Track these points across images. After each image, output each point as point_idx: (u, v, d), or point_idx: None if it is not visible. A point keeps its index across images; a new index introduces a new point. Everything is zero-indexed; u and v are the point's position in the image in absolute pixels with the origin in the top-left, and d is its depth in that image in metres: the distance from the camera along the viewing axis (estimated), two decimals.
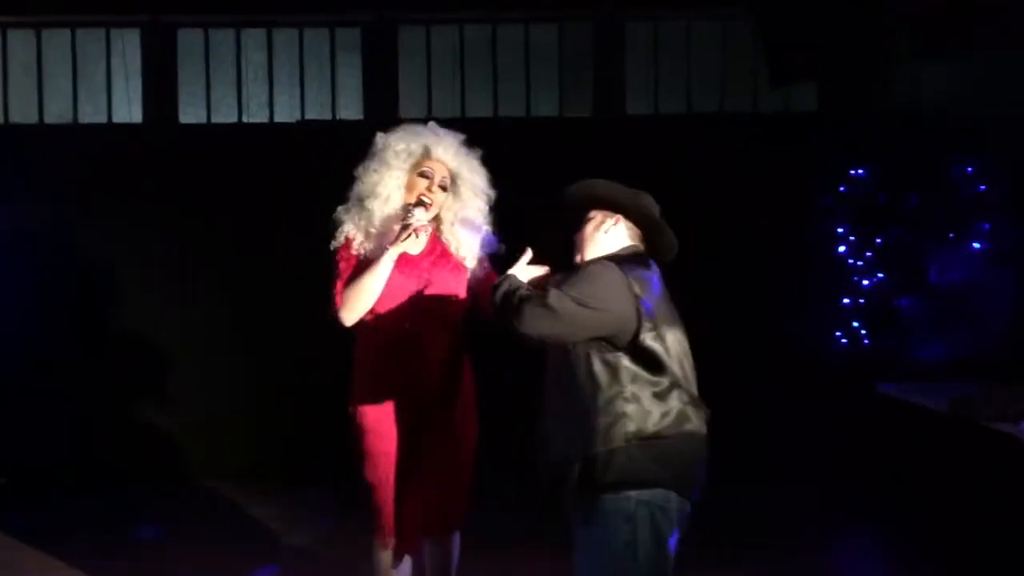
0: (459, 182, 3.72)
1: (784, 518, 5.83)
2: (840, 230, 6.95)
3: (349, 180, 6.70)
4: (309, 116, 7.34)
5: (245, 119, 7.35)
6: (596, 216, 3.21)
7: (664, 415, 2.94)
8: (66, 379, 6.79)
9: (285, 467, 6.87)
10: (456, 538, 3.77)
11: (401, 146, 3.68)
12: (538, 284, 3.14)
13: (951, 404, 5.55)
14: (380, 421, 3.64)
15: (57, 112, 7.30)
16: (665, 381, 2.96)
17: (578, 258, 3.18)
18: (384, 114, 7.28)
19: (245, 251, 6.95)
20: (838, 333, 6.91)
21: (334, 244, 3.72)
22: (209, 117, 7.34)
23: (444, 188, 3.70)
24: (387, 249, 3.58)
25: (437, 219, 3.72)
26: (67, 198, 6.83)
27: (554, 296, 2.90)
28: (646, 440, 2.91)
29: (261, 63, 7.41)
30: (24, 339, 6.71)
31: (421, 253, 3.68)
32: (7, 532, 5.71)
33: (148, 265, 6.90)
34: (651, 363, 2.96)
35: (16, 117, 7.26)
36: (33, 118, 7.25)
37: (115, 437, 6.84)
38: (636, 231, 3.21)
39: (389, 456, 3.63)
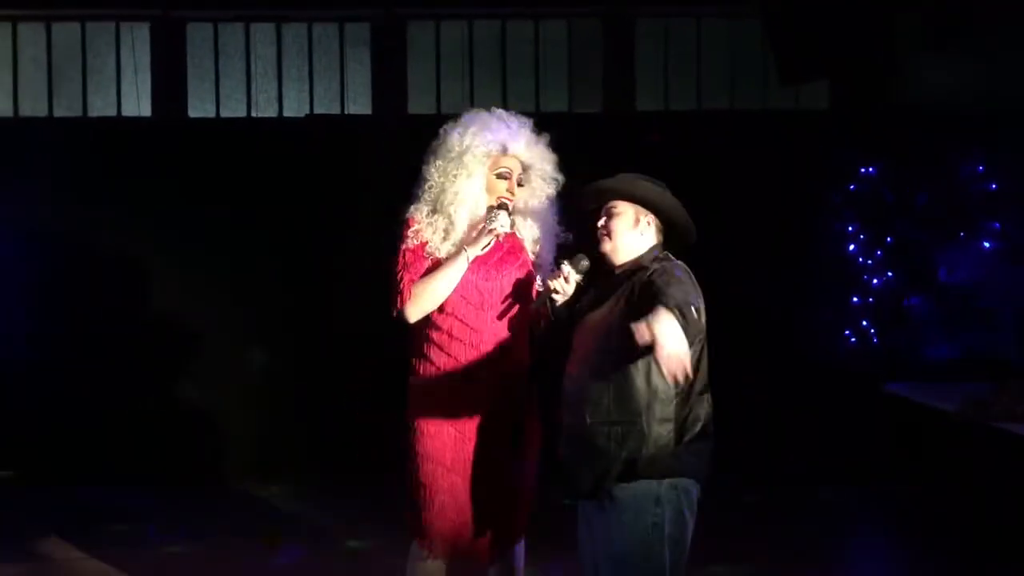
0: (531, 172, 3.64)
1: (791, 516, 5.81)
2: (850, 228, 6.92)
3: (358, 174, 6.75)
4: (318, 111, 7.33)
5: (254, 114, 7.35)
6: (627, 211, 3.23)
7: (704, 417, 3.10)
8: (73, 372, 6.79)
9: (301, 465, 6.87)
10: (520, 548, 3.64)
11: (481, 149, 3.55)
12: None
13: (961, 404, 5.53)
14: (436, 424, 3.53)
15: (66, 106, 7.31)
16: (701, 384, 3.11)
17: (608, 247, 3.22)
18: (393, 110, 7.28)
19: (254, 245, 6.93)
20: (847, 332, 6.89)
21: (405, 244, 3.57)
22: (218, 112, 7.33)
23: (520, 184, 3.62)
24: (464, 249, 3.50)
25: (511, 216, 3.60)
26: (76, 192, 6.83)
27: (686, 309, 2.93)
28: (690, 442, 3.07)
29: (270, 58, 7.40)
30: (31, 332, 6.71)
31: (492, 249, 3.56)
32: (14, 525, 5.71)
33: (156, 259, 6.88)
34: (700, 368, 3.08)
35: (26, 111, 7.26)
36: (43, 112, 7.26)
37: (121, 432, 6.83)
38: (660, 227, 3.27)
39: (443, 461, 3.51)
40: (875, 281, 6.86)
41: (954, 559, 4.98)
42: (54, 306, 6.79)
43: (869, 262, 6.89)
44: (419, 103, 7.29)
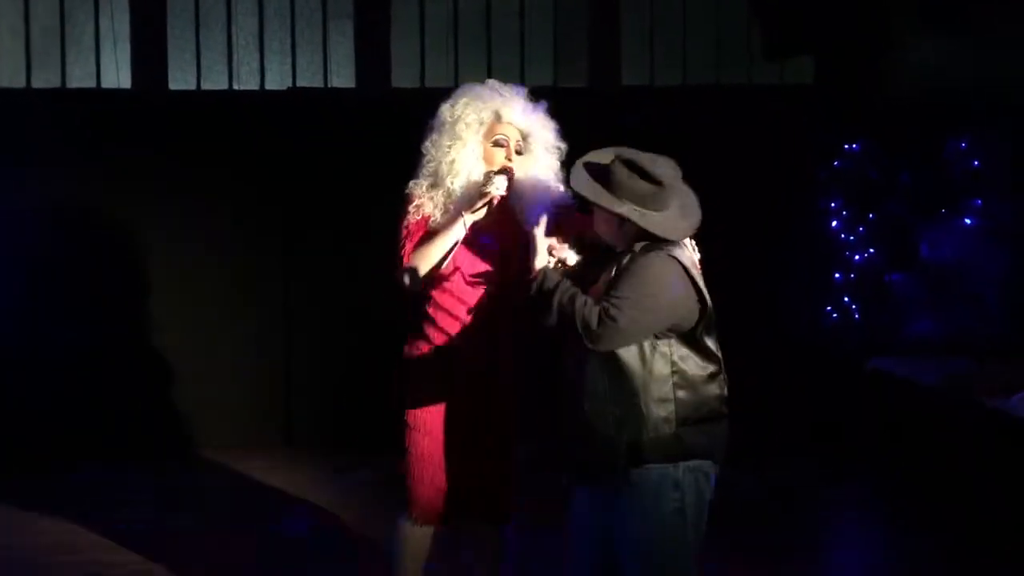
0: (531, 141, 3.58)
1: (775, 493, 5.84)
2: (833, 204, 6.93)
3: (341, 147, 6.70)
4: (300, 83, 7.26)
5: (236, 86, 7.28)
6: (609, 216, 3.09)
7: (713, 399, 3.06)
8: (58, 349, 6.73)
9: (294, 437, 6.86)
10: (511, 527, 3.64)
11: (472, 117, 3.51)
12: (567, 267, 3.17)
13: (943, 379, 5.56)
14: (430, 393, 3.53)
15: (45, 77, 7.21)
16: (712, 367, 3.06)
17: (600, 230, 3.12)
18: (376, 83, 7.22)
19: (235, 218, 6.90)
20: (829, 308, 6.91)
21: (408, 219, 3.54)
22: (199, 83, 7.26)
23: (519, 152, 3.56)
24: (461, 215, 3.46)
25: (510, 184, 3.52)
26: (55, 163, 6.76)
27: (614, 310, 2.91)
28: (696, 424, 3.02)
29: (252, 29, 7.32)
30: (15, 308, 6.65)
31: (486, 216, 3.51)
32: (8, 504, 5.68)
33: (137, 232, 6.84)
34: (704, 350, 3.05)
35: (3, 82, 7.17)
36: (21, 83, 7.16)
37: (116, 408, 6.80)
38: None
39: (436, 430, 3.52)
40: (857, 257, 6.88)
41: (936, 534, 5.02)
42: (35, 280, 6.73)
43: (852, 238, 6.90)
44: (403, 76, 7.23)
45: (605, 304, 2.94)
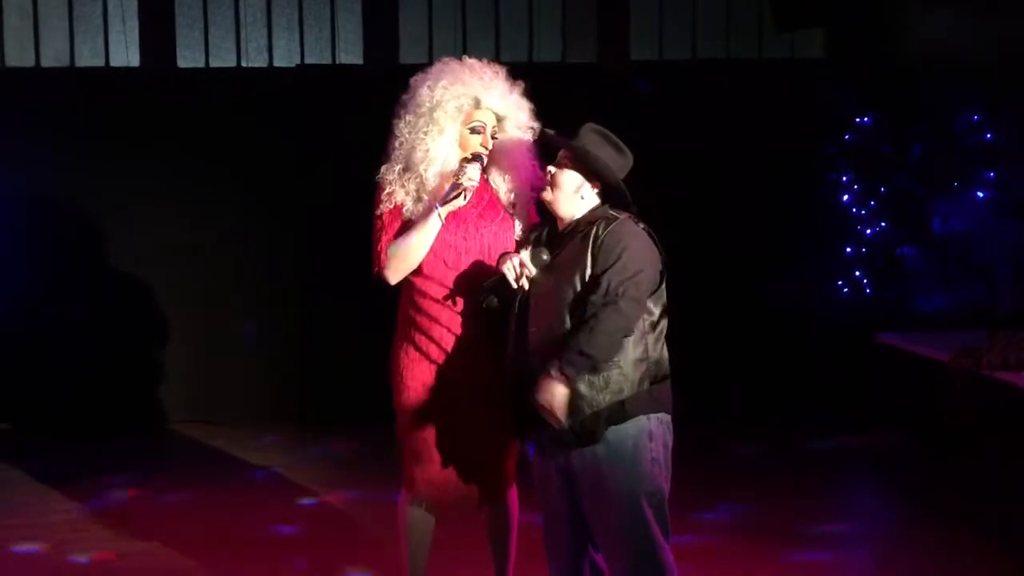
0: (505, 124, 3.53)
1: (784, 465, 5.85)
2: (844, 178, 6.90)
3: (350, 124, 6.69)
4: (308, 60, 7.25)
5: (244, 63, 7.27)
6: (574, 175, 3.24)
7: (666, 358, 3.25)
8: (63, 325, 6.78)
9: (294, 413, 6.89)
10: (512, 496, 3.66)
11: (452, 104, 3.43)
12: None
13: (954, 353, 5.55)
14: (419, 378, 3.53)
15: (54, 56, 7.21)
16: (664, 324, 3.24)
17: (549, 197, 3.26)
18: (384, 59, 7.20)
19: (244, 195, 6.91)
20: (840, 282, 6.89)
21: (381, 209, 3.50)
22: (207, 61, 7.25)
23: (494, 137, 3.51)
24: (436, 207, 3.41)
25: (484, 171, 3.51)
26: (64, 142, 6.77)
27: (632, 289, 3.10)
28: (662, 381, 3.22)
29: (260, 6, 7.31)
30: (20, 285, 6.69)
31: (468, 205, 3.45)
32: (11, 477, 5.74)
33: (145, 209, 6.85)
34: (661, 311, 3.22)
35: (12, 61, 7.17)
36: (30, 62, 7.17)
37: (116, 383, 6.84)
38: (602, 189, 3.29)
39: (427, 413, 3.52)
40: (868, 231, 6.85)
41: (946, 506, 5.03)
42: (41, 257, 6.76)
43: (863, 212, 6.87)
44: (411, 53, 7.21)
45: (615, 291, 3.08)
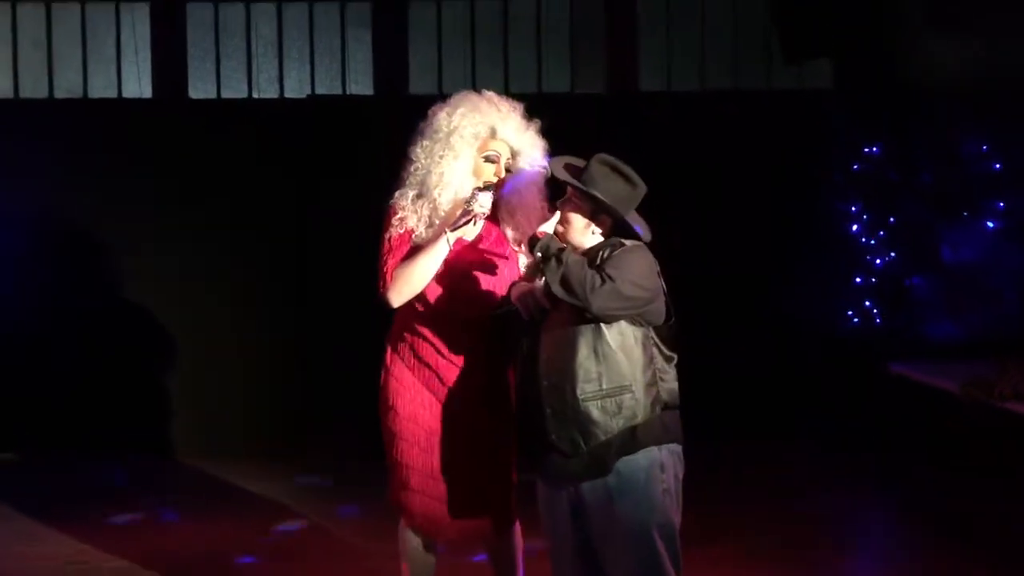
0: (520, 159, 3.56)
1: (794, 495, 5.82)
2: (853, 208, 6.90)
3: (360, 155, 6.73)
4: (319, 91, 7.31)
5: (255, 94, 7.32)
6: (585, 209, 3.25)
7: (676, 389, 3.26)
8: (74, 354, 6.79)
9: (287, 444, 6.88)
10: (515, 531, 3.62)
11: (468, 130, 3.48)
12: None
13: (965, 383, 5.53)
14: (411, 404, 3.51)
15: (67, 87, 7.28)
16: (675, 359, 3.26)
17: (560, 230, 3.27)
18: (394, 89, 7.26)
19: (255, 225, 6.93)
20: (850, 312, 6.87)
21: (391, 232, 3.51)
22: (219, 92, 7.31)
23: (508, 170, 3.54)
24: (445, 231, 3.43)
25: (494, 200, 3.52)
26: (76, 172, 6.82)
27: (615, 273, 3.11)
28: (672, 409, 3.23)
29: (271, 38, 7.37)
30: (31, 313, 6.71)
31: (476, 237, 3.50)
32: (18, 507, 5.74)
33: (156, 240, 6.88)
34: (671, 342, 3.24)
35: (26, 92, 7.24)
36: (43, 93, 7.24)
37: (122, 412, 6.85)
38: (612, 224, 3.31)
39: (418, 440, 3.50)
40: (878, 261, 6.84)
41: (956, 537, 4.99)
42: (53, 287, 6.79)
43: (872, 242, 6.87)
44: (421, 83, 7.26)
45: (604, 271, 3.12)
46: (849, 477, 6.12)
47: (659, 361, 3.18)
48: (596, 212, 3.24)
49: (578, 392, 3.12)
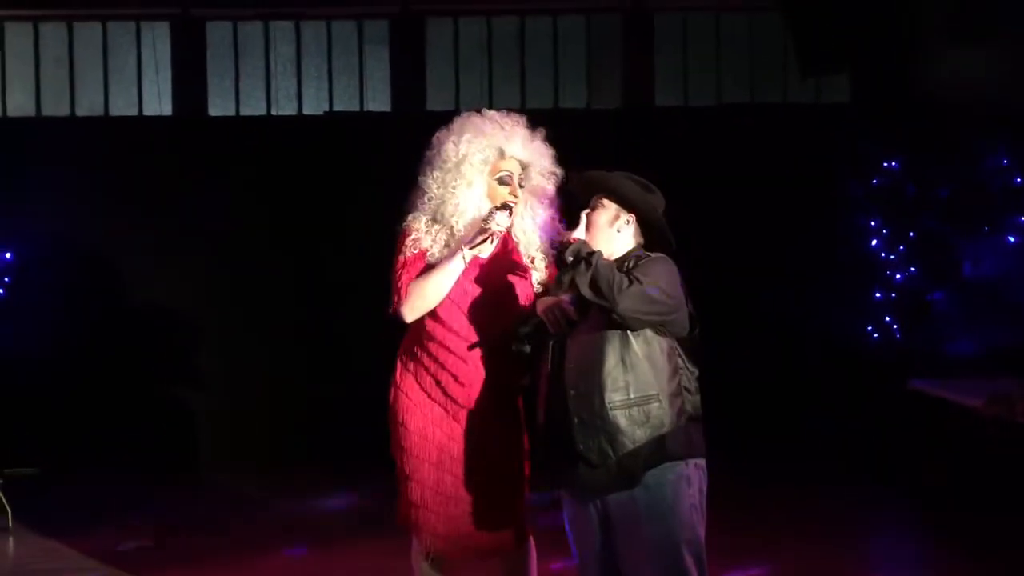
0: (530, 170, 3.56)
1: (815, 512, 5.77)
2: (872, 223, 6.87)
3: (377, 171, 6.75)
4: (337, 108, 7.35)
5: (274, 111, 7.37)
6: (610, 208, 3.29)
7: (699, 402, 3.26)
8: (94, 372, 6.83)
9: (308, 454, 6.89)
10: (529, 550, 3.59)
11: (477, 157, 3.48)
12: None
13: (986, 400, 5.48)
14: (421, 420, 3.51)
15: (88, 105, 7.35)
16: (697, 371, 3.26)
17: (584, 236, 3.29)
18: (412, 106, 7.29)
19: (274, 242, 6.96)
20: (870, 328, 6.84)
21: (405, 251, 3.51)
22: (238, 110, 7.36)
23: (521, 185, 3.56)
24: (462, 247, 3.44)
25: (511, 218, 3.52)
26: (97, 189, 6.87)
27: (642, 276, 3.14)
28: (696, 421, 3.23)
29: (289, 56, 7.43)
30: (52, 331, 6.75)
31: (490, 254, 3.50)
32: (43, 522, 5.75)
33: (177, 257, 6.92)
34: (695, 355, 3.25)
35: (48, 110, 7.31)
36: (65, 111, 7.31)
37: (141, 428, 6.87)
38: (638, 228, 3.32)
39: (428, 456, 3.49)
40: (898, 276, 6.81)
41: (980, 555, 4.94)
42: (73, 304, 6.83)
43: (892, 257, 6.84)
44: (438, 100, 7.29)
45: (632, 275, 3.15)
46: (870, 495, 6.07)
47: (684, 372, 3.19)
48: (621, 204, 3.26)
49: (606, 401, 3.12)
